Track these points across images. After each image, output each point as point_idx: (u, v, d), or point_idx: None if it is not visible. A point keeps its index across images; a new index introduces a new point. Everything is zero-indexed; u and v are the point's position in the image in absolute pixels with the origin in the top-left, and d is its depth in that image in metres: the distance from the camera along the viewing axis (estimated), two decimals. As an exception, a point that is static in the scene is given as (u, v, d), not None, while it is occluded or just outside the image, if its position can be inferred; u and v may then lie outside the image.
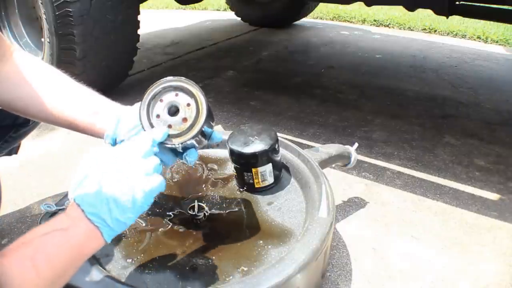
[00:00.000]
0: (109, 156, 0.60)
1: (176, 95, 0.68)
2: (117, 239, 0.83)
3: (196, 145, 0.73)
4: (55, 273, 0.53)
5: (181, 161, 0.75)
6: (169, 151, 0.75)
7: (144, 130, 0.68)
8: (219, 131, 0.87)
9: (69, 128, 0.81)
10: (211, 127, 0.75)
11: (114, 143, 0.79)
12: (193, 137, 0.67)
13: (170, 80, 0.68)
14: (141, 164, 0.60)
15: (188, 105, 0.68)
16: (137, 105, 0.75)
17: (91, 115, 0.79)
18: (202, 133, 0.68)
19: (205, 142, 0.74)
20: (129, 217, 0.58)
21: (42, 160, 1.43)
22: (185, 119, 0.67)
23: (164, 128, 0.67)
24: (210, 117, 0.71)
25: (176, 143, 0.67)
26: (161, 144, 0.68)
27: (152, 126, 0.67)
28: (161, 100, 0.68)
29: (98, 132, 0.79)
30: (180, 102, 0.68)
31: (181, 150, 0.73)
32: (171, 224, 0.86)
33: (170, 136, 0.67)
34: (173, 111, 0.68)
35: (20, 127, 1.01)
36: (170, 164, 0.77)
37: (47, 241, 0.53)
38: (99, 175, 0.58)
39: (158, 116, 0.68)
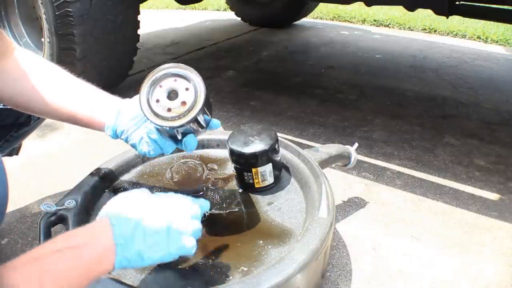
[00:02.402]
0: (159, 204, 0.64)
1: (175, 80, 0.70)
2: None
3: (195, 131, 0.74)
4: None
5: (181, 154, 0.75)
6: (168, 138, 0.76)
7: (144, 115, 0.69)
8: (218, 131, 0.87)
9: (70, 122, 0.83)
10: (210, 114, 0.76)
11: (115, 134, 0.81)
12: (192, 119, 0.68)
13: (168, 67, 0.71)
14: (186, 224, 0.64)
15: (187, 89, 0.70)
16: (137, 97, 0.77)
17: (91, 108, 0.81)
18: (200, 119, 0.70)
19: (204, 129, 0.76)
20: (147, 259, 0.61)
21: (42, 160, 1.43)
22: (184, 103, 0.69)
23: (206, 205, 0.71)
24: (208, 103, 0.72)
25: (176, 124, 0.68)
26: (161, 128, 0.70)
27: (152, 110, 0.69)
28: (160, 86, 0.70)
29: (98, 124, 0.81)
30: (179, 87, 0.70)
31: (180, 137, 0.74)
32: (171, 224, 0.86)
33: (169, 119, 0.68)
34: (172, 96, 0.70)
35: (22, 126, 1.02)
36: (169, 151, 0.79)
37: (57, 260, 0.53)
38: (142, 213, 0.61)
39: (157, 100, 0.70)
